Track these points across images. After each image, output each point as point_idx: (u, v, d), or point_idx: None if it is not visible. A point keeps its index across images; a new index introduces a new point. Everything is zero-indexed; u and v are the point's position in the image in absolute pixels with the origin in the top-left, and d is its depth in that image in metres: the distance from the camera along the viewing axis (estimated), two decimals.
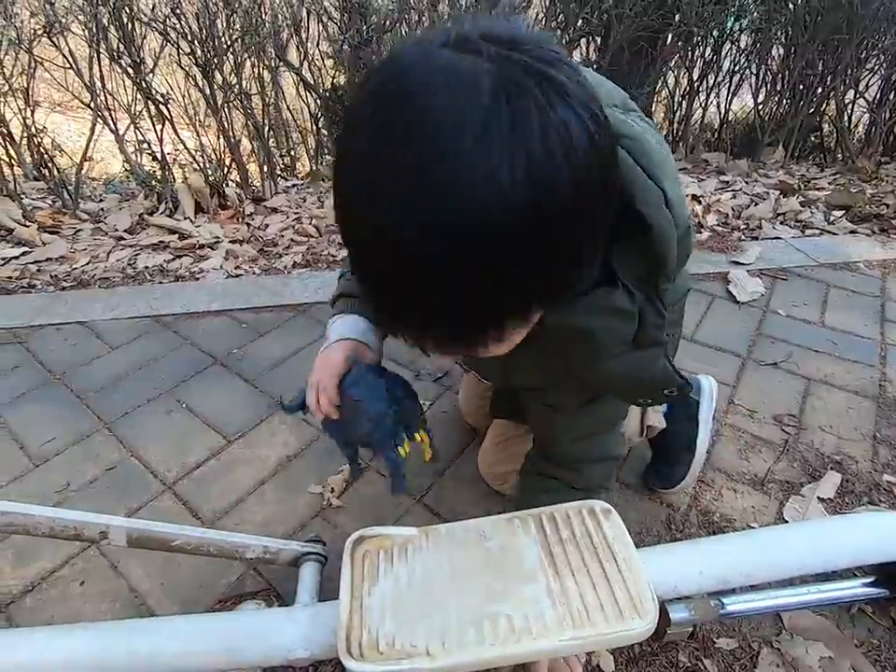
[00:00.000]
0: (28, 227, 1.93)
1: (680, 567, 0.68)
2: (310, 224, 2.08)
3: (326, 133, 2.65)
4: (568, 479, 0.73)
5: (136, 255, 1.86)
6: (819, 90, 2.49)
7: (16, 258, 1.81)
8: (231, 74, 2.05)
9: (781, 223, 2.02)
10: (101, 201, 2.31)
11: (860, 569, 0.81)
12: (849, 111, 2.59)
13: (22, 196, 2.10)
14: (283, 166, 2.81)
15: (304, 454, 1.09)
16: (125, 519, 0.65)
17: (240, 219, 2.13)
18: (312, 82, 2.41)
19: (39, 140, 1.98)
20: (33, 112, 1.98)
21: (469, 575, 0.57)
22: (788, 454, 1.07)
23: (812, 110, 2.57)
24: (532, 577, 0.59)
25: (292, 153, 2.95)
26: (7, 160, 2.06)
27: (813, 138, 2.81)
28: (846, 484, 1.00)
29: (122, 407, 1.21)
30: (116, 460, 1.08)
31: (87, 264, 1.81)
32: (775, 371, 1.28)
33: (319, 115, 2.58)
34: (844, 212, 2.03)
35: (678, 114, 2.71)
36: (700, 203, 2.15)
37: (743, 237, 1.92)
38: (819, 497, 0.97)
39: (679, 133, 2.75)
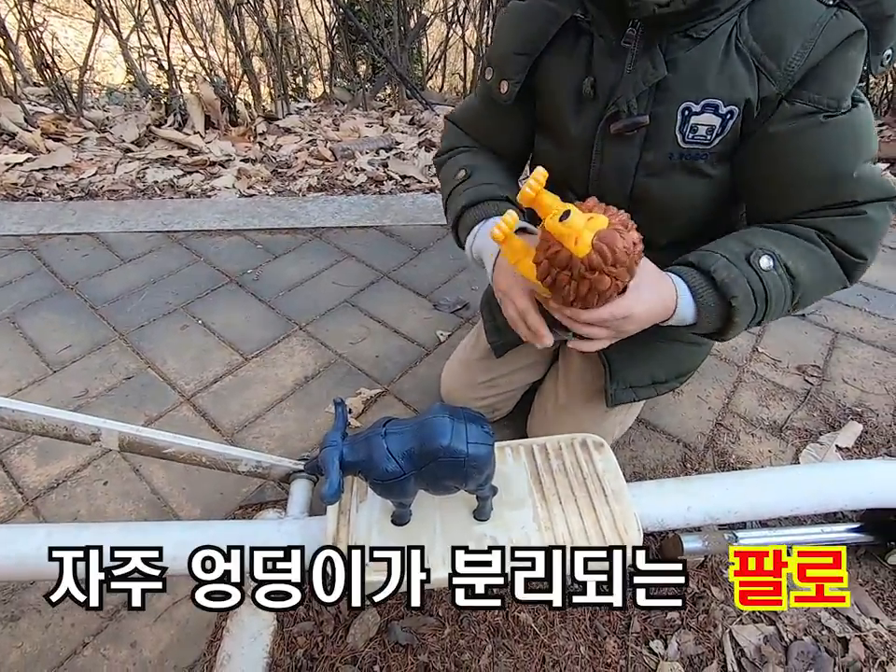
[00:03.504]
0: (31, 132, 1.84)
1: (669, 502, 0.67)
2: (325, 147, 1.98)
3: (340, 52, 2.48)
4: (839, 229, 0.57)
5: (145, 168, 1.78)
6: None
7: (20, 164, 1.73)
8: None
9: None
10: (105, 110, 2.20)
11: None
12: None
13: (23, 99, 1.99)
14: (294, 86, 2.65)
15: (321, 375, 1.08)
16: (116, 423, 0.63)
17: (252, 138, 2.02)
18: None
19: (39, 35, 1.85)
20: (31, 3, 1.83)
21: (456, 498, 0.57)
22: (809, 403, 1.06)
23: None
24: (520, 503, 0.60)
25: (304, 72, 2.77)
26: (6, 56, 1.93)
27: None
28: (864, 436, 1.00)
29: (137, 319, 1.19)
30: (133, 371, 1.07)
31: (94, 175, 1.73)
32: (802, 323, 1.25)
33: (335, 28, 2.40)
34: (888, 165, 1.93)
35: None
36: None
37: None
38: (837, 446, 0.97)
39: None
